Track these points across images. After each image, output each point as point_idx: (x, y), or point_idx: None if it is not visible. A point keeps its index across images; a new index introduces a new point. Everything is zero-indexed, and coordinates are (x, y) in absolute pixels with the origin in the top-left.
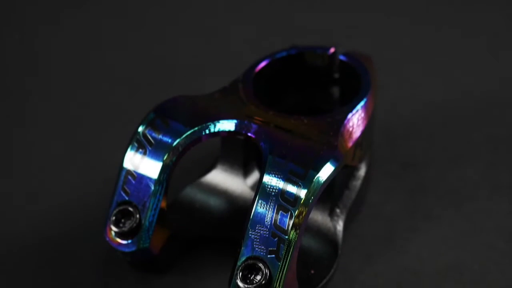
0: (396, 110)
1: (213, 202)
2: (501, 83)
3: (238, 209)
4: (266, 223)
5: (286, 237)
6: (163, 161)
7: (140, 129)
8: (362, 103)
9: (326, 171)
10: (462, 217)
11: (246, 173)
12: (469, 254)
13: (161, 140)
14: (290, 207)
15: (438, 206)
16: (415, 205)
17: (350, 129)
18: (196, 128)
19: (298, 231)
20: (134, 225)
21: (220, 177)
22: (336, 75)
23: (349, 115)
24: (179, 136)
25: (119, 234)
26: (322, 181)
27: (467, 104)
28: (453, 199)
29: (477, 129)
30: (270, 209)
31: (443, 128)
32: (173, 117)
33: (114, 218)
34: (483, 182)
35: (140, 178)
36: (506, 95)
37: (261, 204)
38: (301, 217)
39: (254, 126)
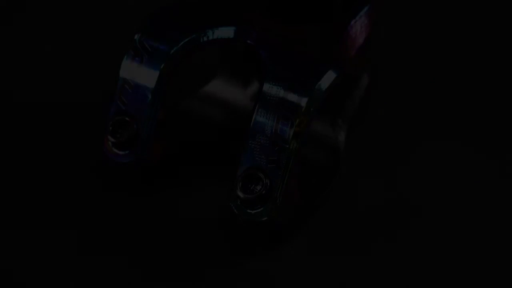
0: (399, 24)
1: (212, 112)
2: None
3: (237, 120)
4: (266, 132)
5: (287, 146)
6: (161, 70)
7: (136, 36)
8: (365, 9)
9: (327, 79)
10: (468, 130)
11: (246, 84)
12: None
13: (158, 47)
14: (290, 116)
15: (443, 118)
16: (420, 116)
17: (353, 36)
18: (194, 35)
19: (299, 141)
20: (132, 135)
21: (220, 88)
22: None
23: (352, 22)
24: (177, 44)
25: (116, 145)
26: (324, 89)
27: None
28: (458, 114)
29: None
30: (271, 118)
31: (448, 40)
32: (170, 24)
33: (111, 128)
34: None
35: (137, 87)
36: None
37: (261, 113)
38: (302, 126)
39: (254, 33)
